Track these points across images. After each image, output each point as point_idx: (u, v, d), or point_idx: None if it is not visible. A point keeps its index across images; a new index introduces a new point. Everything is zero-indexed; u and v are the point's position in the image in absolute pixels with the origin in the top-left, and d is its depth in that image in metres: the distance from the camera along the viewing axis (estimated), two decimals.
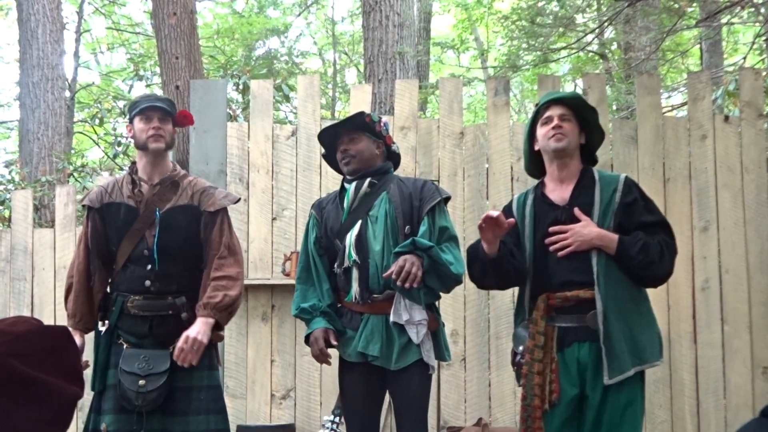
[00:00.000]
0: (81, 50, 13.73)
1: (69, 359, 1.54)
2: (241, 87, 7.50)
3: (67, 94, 11.22)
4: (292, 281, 4.61)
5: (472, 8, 12.88)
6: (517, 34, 8.64)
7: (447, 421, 4.77)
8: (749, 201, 4.88)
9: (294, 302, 3.51)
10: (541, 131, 3.24)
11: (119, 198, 3.44)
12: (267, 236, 4.99)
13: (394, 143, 3.62)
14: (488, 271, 3.21)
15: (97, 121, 9.19)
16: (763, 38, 7.65)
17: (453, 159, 4.99)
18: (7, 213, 6.71)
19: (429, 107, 12.02)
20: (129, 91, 9.64)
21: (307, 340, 3.44)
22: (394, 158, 3.63)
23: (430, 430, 3.80)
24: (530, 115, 3.34)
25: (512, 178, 4.95)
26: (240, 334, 4.92)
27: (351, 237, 3.37)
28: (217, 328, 3.35)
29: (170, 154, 3.54)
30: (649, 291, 4.74)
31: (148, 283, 3.33)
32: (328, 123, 5.20)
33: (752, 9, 6.91)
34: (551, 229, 3.15)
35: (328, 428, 3.54)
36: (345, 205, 3.45)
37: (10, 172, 8.04)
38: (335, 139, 3.54)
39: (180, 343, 3.22)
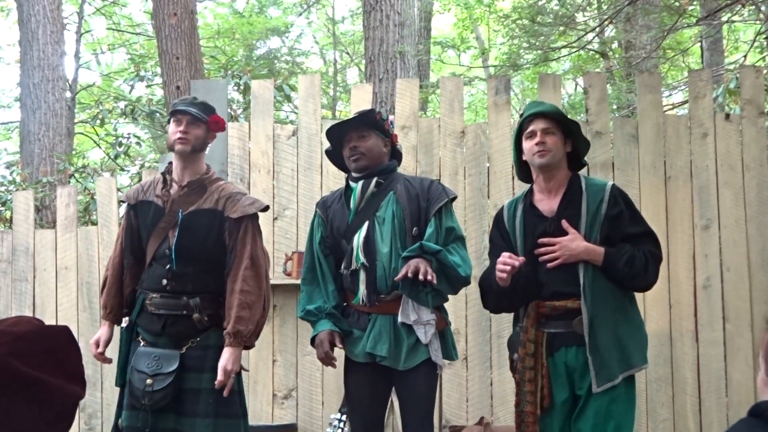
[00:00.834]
0: (82, 51, 13.73)
1: (70, 360, 1.54)
2: (241, 87, 7.50)
3: (68, 94, 11.23)
4: (294, 281, 4.62)
5: (472, 7, 12.86)
6: (517, 32, 8.64)
7: (449, 420, 4.77)
8: (750, 199, 4.88)
9: (300, 303, 3.50)
10: (526, 145, 3.27)
11: (151, 197, 3.50)
12: (268, 236, 4.98)
13: (398, 142, 3.62)
14: (503, 301, 3.29)
15: (98, 121, 9.17)
16: (764, 36, 7.64)
17: (454, 158, 4.99)
18: (8, 214, 6.71)
19: (430, 106, 12.01)
20: (130, 92, 9.63)
21: (312, 341, 3.43)
22: (398, 157, 3.62)
23: None
24: (515, 127, 3.37)
25: (513, 177, 4.94)
26: None
27: (359, 239, 3.35)
28: (246, 348, 3.40)
29: (203, 158, 3.55)
30: (650, 290, 4.76)
31: (164, 281, 3.36)
32: (329, 123, 5.21)
33: (753, 7, 6.90)
34: (540, 241, 3.19)
35: (335, 426, 3.53)
36: (351, 205, 3.43)
37: (11, 173, 8.03)
38: (342, 136, 3.50)
39: (219, 377, 3.24)
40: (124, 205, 3.67)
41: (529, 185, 3.39)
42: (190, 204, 3.42)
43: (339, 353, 3.43)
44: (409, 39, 9.63)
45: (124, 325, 3.50)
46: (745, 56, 8.03)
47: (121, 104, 9.39)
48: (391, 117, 3.62)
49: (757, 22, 7.54)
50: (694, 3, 7.63)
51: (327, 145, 3.67)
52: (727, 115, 5.03)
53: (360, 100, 5.08)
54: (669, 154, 4.94)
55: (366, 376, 3.37)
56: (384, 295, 3.32)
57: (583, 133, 3.40)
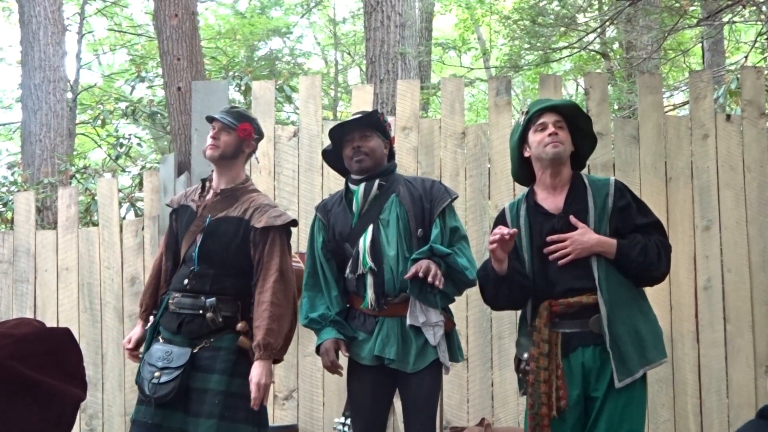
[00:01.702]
0: (83, 52, 13.74)
1: (71, 361, 1.54)
2: (242, 88, 7.50)
3: (69, 95, 11.23)
4: None
5: (473, 8, 12.87)
6: (518, 33, 8.65)
7: (450, 422, 4.77)
8: (751, 200, 4.88)
9: (302, 310, 3.48)
10: (534, 138, 3.22)
11: (190, 202, 3.61)
12: None
13: (394, 144, 3.62)
14: (501, 290, 3.19)
15: (99, 122, 9.17)
16: (765, 37, 7.64)
17: (455, 159, 4.99)
18: (9, 215, 6.72)
19: (431, 107, 12.02)
20: (131, 93, 9.64)
21: (317, 349, 3.42)
22: (391, 155, 3.61)
23: None
24: (521, 121, 3.30)
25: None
26: None
27: (365, 243, 3.33)
28: (276, 362, 3.44)
29: (240, 165, 3.62)
30: (651, 290, 4.74)
31: (186, 281, 3.44)
32: (330, 123, 5.20)
33: (754, 8, 6.90)
34: (549, 238, 3.15)
35: (339, 431, 3.54)
36: (354, 208, 3.41)
37: (12, 174, 8.04)
38: (343, 136, 3.50)
39: (253, 393, 3.26)
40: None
41: (527, 187, 3.36)
42: (219, 210, 3.50)
43: (343, 357, 3.43)
44: (410, 40, 9.64)
45: (149, 324, 3.58)
46: (746, 57, 8.04)
47: (122, 105, 9.39)
48: (390, 119, 3.61)
49: (758, 22, 7.55)
50: (695, 4, 7.64)
51: (328, 146, 3.66)
52: (728, 116, 5.03)
53: (361, 101, 5.08)
54: (670, 155, 4.94)
55: (370, 380, 3.36)
56: (392, 298, 3.31)
57: (593, 131, 3.37)
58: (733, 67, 7.93)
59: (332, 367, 3.35)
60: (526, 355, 3.15)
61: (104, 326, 5.12)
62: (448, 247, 3.29)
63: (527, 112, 3.29)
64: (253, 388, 3.26)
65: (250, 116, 3.71)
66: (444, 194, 3.38)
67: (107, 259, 5.17)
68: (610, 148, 4.99)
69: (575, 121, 3.28)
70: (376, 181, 3.39)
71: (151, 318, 3.58)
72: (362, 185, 3.40)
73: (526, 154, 3.28)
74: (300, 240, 4.91)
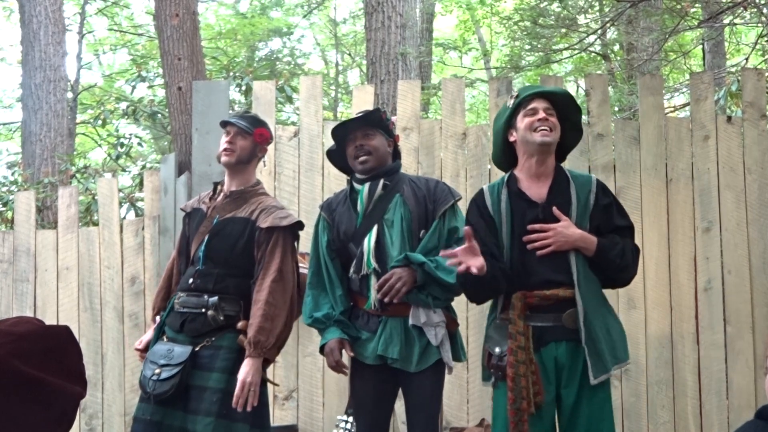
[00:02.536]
0: (83, 51, 13.74)
1: (71, 359, 1.54)
2: (243, 88, 7.50)
3: (70, 95, 11.23)
4: None
5: (474, 9, 12.87)
6: (519, 34, 8.65)
7: (450, 422, 4.77)
8: (752, 201, 4.88)
9: (306, 309, 3.47)
10: (523, 122, 3.14)
11: (202, 204, 3.67)
12: None
13: (398, 142, 3.61)
14: (483, 289, 3.13)
15: (99, 122, 9.18)
16: (766, 39, 7.64)
17: (455, 160, 4.99)
18: (9, 214, 6.72)
19: (431, 108, 12.01)
20: (131, 93, 9.64)
21: (321, 349, 3.43)
22: (397, 157, 3.61)
23: None
24: (510, 104, 3.21)
25: None
26: None
27: (369, 243, 3.32)
28: (266, 363, 3.40)
29: (253, 169, 3.66)
30: (651, 292, 4.75)
31: (191, 280, 3.48)
32: (331, 124, 5.20)
33: (755, 9, 6.90)
34: (531, 227, 3.08)
35: (342, 429, 3.54)
36: (359, 208, 3.40)
37: (12, 174, 8.04)
38: (346, 135, 3.49)
39: (237, 390, 3.25)
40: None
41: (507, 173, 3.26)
42: (227, 211, 3.54)
43: (346, 357, 3.43)
44: (410, 40, 9.64)
45: (156, 323, 3.62)
46: (746, 59, 8.04)
47: (123, 105, 9.40)
48: (393, 118, 3.60)
49: (759, 24, 7.55)
50: (696, 5, 7.64)
51: (328, 146, 3.66)
52: (729, 118, 5.03)
53: (361, 101, 5.08)
54: (670, 156, 4.94)
55: (373, 379, 3.36)
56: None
57: (581, 124, 3.32)
58: (733, 69, 7.93)
59: (337, 367, 3.35)
60: (497, 350, 3.09)
61: (104, 326, 5.12)
62: (444, 248, 3.28)
63: (517, 96, 3.20)
64: (238, 385, 3.25)
65: (264, 121, 3.74)
66: (447, 195, 3.37)
67: (107, 259, 5.16)
68: (610, 150, 4.99)
69: (565, 111, 3.21)
70: (381, 181, 3.38)
71: (157, 318, 3.62)
72: (367, 185, 3.39)
73: (511, 139, 3.20)
74: (301, 240, 4.91)
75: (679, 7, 7.28)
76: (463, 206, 4.88)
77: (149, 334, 3.68)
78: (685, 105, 8.17)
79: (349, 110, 10.64)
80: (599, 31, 8.32)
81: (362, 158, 3.40)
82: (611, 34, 9.74)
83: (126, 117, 9.16)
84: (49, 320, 5.01)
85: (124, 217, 5.97)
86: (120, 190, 5.92)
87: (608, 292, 3.28)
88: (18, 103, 12.14)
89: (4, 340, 1.44)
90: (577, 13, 8.29)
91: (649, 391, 4.76)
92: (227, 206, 3.56)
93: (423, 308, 3.26)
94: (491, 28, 13.05)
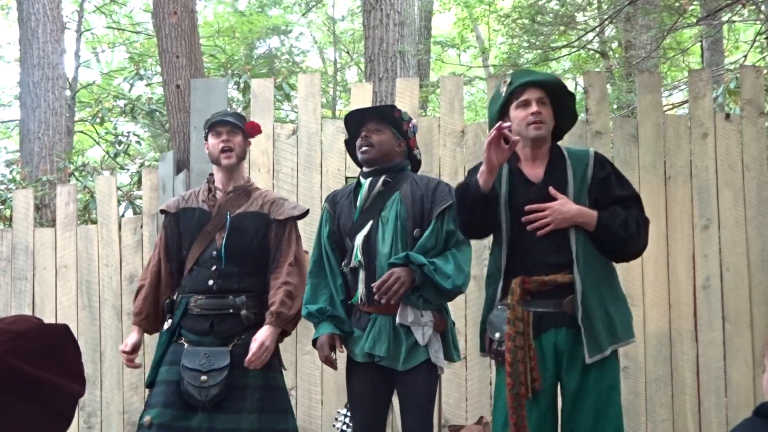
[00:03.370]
0: (81, 49, 13.73)
1: (69, 357, 1.54)
2: (241, 86, 7.49)
3: (68, 93, 11.21)
4: None
5: (472, 6, 12.87)
6: (517, 32, 8.65)
7: (448, 420, 4.77)
8: (750, 199, 4.88)
9: (304, 297, 3.50)
10: (516, 114, 3.13)
11: (195, 204, 3.64)
12: None
13: (417, 149, 3.58)
14: (477, 210, 3.05)
15: (97, 120, 9.16)
16: (764, 36, 7.64)
17: (454, 157, 4.98)
18: (8, 212, 6.71)
19: (430, 106, 12.00)
20: (130, 90, 9.63)
21: (314, 343, 3.44)
22: (414, 163, 3.59)
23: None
24: (503, 92, 3.18)
25: None
26: None
27: (360, 238, 3.35)
28: (283, 334, 3.57)
29: (245, 167, 3.77)
30: (650, 290, 4.75)
31: (211, 282, 3.50)
32: (329, 122, 5.20)
33: (753, 7, 6.90)
34: (528, 207, 3.06)
35: (341, 422, 3.54)
36: (358, 202, 3.43)
37: (11, 172, 8.03)
38: (360, 127, 3.49)
39: (253, 348, 3.39)
40: (162, 217, 3.81)
41: None
42: (236, 207, 3.58)
43: (341, 354, 3.43)
44: (409, 38, 9.62)
45: (165, 328, 3.58)
46: (745, 56, 8.03)
47: (121, 103, 9.37)
48: (413, 121, 3.57)
49: (758, 22, 7.54)
50: (695, 3, 7.63)
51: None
52: (727, 115, 5.03)
53: (360, 99, 5.08)
54: (669, 154, 4.94)
55: (367, 376, 3.36)
56: None
57: (575, 110, 3.30)
58: (732, 67, 7.93)
59: (327, 362, 3.38)
60: (497, 335, 3.07)
61: (103, 324, 5.12)
62: (442, 250, 3.28)
63: (510, 83, 3.17)
64: (255, 345, 3.39)
65: (243, 115, 3.81)
66: (446, 196, 3.35)
67: (106, 257, 5.16)
68: (609, 147, 4.99)
69: (558, 97, 3.19)
70: (382, 177, 3.39)
71: (166, 324, 3.58)
72: (368, 180, 3.40)
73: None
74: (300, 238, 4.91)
75: (677, 4, 7.28)
76: None
77: (135, 337, 3.67)
78: (683, 102, 8.17)
79: (348, 108, 10.63)
80: (597, 29, 8.32)
81: (363, 148, 3.43)
82: (610, 31, 9.73)
83: (124, 115, 9.13)
84: (48, 318, 5.00)
85: (123, 215, 5.96)
86: (118, 188, 5.91)
87: None
88: (16, 101, 12.15)
89: (2, 338, 1.44)
90: (575, 10, 8.29)
91: (647, 388, 4.76)
92: (234, 202, 3.58)
93: (411, 307, 3.25)
94: (489, 25, 13.03)
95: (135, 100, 9.04)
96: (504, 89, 3.19)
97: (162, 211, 3.79)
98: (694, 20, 7.74)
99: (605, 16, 7.87)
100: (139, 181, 6.69)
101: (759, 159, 4.91)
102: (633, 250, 3.18)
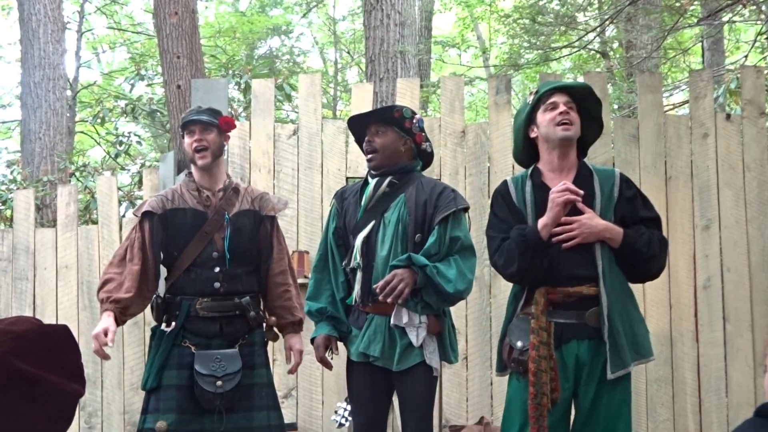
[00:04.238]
0: (82, 50, 13.74)
1: (70, 358, 1.54)
2: (242, 86, 7.50)
3: (69, 93, 11.22)
4: None
5: (473, 6, 12.87)
6: (518, 32, 8.65)
7: (449, 420, 4.77)
8: (751, 199, 4.88)
9: (307, 292, 3.50)
10: (544, 117, 3.13)
11: (183, 204, 3.52)
12: None
13: (426, 141, 3.50)
14: (537, 258, 3.03)
15: (98, 120, 9.16)
16: (765, 36, 7.64)
17: (454, 158, 4.99)
18: (8, 213, 6.71)
19: (430, 106, 12.01)
20: (130, 91, 9.64)
21: (312, 341, 3.45)
22: (425, 157, 3.54)
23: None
24: (530, 101, 3.20)
25: None
26: None
27: (360, 238, 3.35)
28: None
29: (224, 162, 3.69)
30: (650, 290, 4.75)
31: (217, 284, 3.45)
32: (330, 122, 5.21)
33: (754, 7, 6.90)
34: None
35: (340, 415, 3.54)
36: (363, 201, 3.42)
37: (11, 172, 8.04)
38: (364, 128, 3.48)
39: (297, 359, 3.60)
40: (137, 217, 3.60)
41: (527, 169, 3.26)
42: (232, 206, 3.55)
43: (340, 353, 3.45)
44: (409, 38, 9.62)
45: (167, 329, 3.48)
46: (746, 56, 8.04)
47: (122, 103, 9.39)
48: (417, 115, 3.52)
49: (758, 22, 7.54)
50: (695, 3, 7.64)
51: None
52: (728, 116, 5.04)
53: (361, 99, 5.08)
54: (669, 154, 4.94)
55: (367, 376, 3.36)
56: (378, 297, 3.31)
57: (602, 117, 3.31)
58: (732, 67, 7.93)
59: (322, 362, 3.41)
60: (519, 344, 3.06)
61: None
62: (445, 257, 3.26)
63: (537, 92, 3.20)
64: (297, 355, 3.58)
65: (218, 110, 3.70)
66: (450, 203, 3.31)
67: (107, 257, 5.14)
68: (609, 147, 4.99)
69: (584, 105, 3.21)
70: (387, 179, 3.37)
71: (165, 326, 3.51)
72: (374, 181, 3.40)
73: (533, 135, 3.19)
74: (300, 239, 4.92)
75: (678, 4, 7.28)
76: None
77: (112, 324, 3.31)
78: (684, 103, 8.17)
79: (349, 108, 10.63)
80: (598, 29, 8.32)
81: (368, 156, 3.43)
82: (610, 31, 9.74)
83: (125, 115, 9.14)
84: (49, 318, 5.01)
85: (123, 216, 5.96)
86: (119, 189, 5.92)
87: None
88: (17, 101, 12.15)
89: (3, 338, 1.45)
90: (576, 10, 8.29)
91: (648, 388, 4.76)
92: (228, 201, 3.54)
93: (406, 309, 3.25)
94: (490, 25, 13.04)
95: (136, 101, 9.05)
96: (531, 99, 3.21)
97: (145, 212, 3.53)
98: (695, 20, 7.75)
99: (606, 17, 7.87)
100: (140, 182, 6.69)
101: (760, 159, 4.91)
102: (653, 270, 3.19)
